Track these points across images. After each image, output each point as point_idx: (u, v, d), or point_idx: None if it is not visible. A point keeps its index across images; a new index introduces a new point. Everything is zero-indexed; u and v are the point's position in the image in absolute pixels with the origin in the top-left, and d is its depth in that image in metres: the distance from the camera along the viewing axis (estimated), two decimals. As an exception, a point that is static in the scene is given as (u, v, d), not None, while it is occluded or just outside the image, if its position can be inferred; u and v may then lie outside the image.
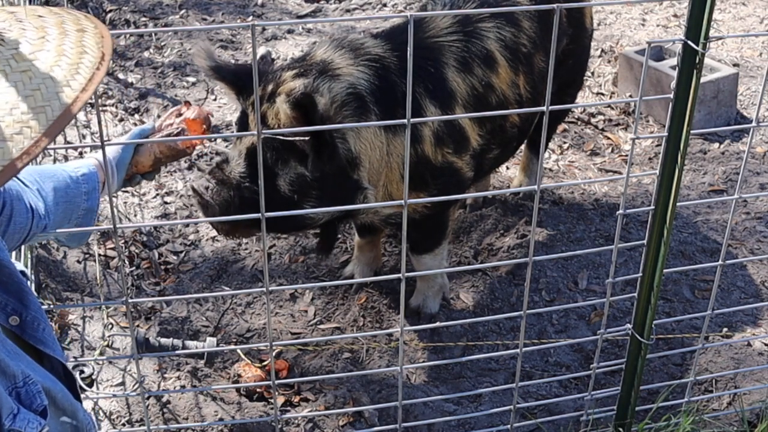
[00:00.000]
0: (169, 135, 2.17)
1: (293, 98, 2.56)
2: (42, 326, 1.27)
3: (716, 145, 4.37)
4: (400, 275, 2.05)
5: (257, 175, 2.66)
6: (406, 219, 1.99)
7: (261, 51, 5.07)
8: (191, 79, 4.86)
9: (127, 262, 3.56)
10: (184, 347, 2.98)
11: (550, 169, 4.21)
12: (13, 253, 2.36)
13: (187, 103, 2.24)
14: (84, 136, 4.05)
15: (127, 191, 3.87)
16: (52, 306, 2.92)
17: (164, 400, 2.84)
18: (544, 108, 1.94)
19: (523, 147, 3.94)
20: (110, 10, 5.54)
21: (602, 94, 4.83)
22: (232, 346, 3.12)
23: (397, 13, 5.36)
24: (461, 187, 3.06)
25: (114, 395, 2.77)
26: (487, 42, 2.99)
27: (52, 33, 1.09)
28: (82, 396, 1.54)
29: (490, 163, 3.22)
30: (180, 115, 2.21)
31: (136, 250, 3.64)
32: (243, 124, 2.80)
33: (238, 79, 2.74)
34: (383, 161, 2.80)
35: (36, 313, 1.26)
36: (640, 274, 2.32)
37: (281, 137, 2.57)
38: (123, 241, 3.64)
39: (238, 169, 2.71)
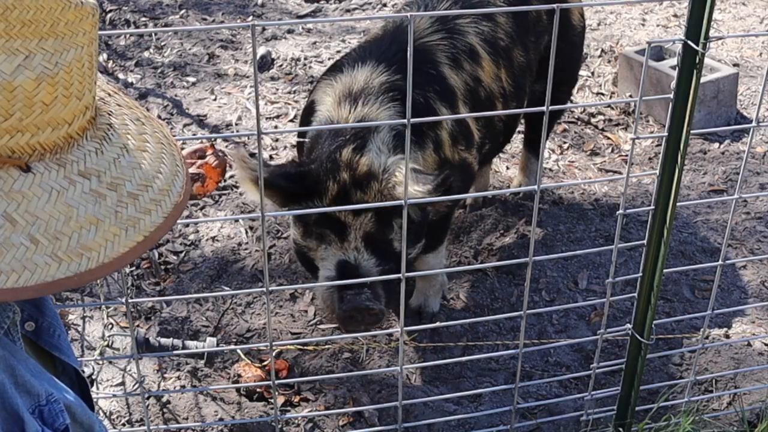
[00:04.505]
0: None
1: (437, 184, 2.44)
2: (57, 332, 1.27)
3: (716, 145, 4.37)
4: (400, 275, 2.05)
5: (384, 258, 2.64)
6: (406, 219, 2.00)
7: (261, 51, 5.09)
8: (191, 79, 4.86)
9: (127, 262, 3.56)
10: (184, 347, 2.98)
11: (550, 169, 4.21)
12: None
13: (212, 146, 2.13)
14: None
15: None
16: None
17: (164, 400, 2.84)
18: (544, 108, 1.94)
19: (521, 147, 3.96)
20: (110, 10, 5.53)
21: (602, 94, 4.82)
22: (232, 346, 3.12)
23: (396, 13, 5.36)
24: (471, 182, 3.16)
25: (114, 395, 2.77)
26: (469, 37, 3.04)
27: (150, 149, 1.13)
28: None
29: (482, 158, 3.27)
30: (202, 157, 2.11)
31: (136, 250, 3.63)
32: (340, 230, 2.62)
33: (293, 183, 2.59)
34: None
35: (52, 319, 1.27)
36: (640, 274, 2.32)
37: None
38: (123, 241, 3.63)
39: (372, 261, 2.64)
